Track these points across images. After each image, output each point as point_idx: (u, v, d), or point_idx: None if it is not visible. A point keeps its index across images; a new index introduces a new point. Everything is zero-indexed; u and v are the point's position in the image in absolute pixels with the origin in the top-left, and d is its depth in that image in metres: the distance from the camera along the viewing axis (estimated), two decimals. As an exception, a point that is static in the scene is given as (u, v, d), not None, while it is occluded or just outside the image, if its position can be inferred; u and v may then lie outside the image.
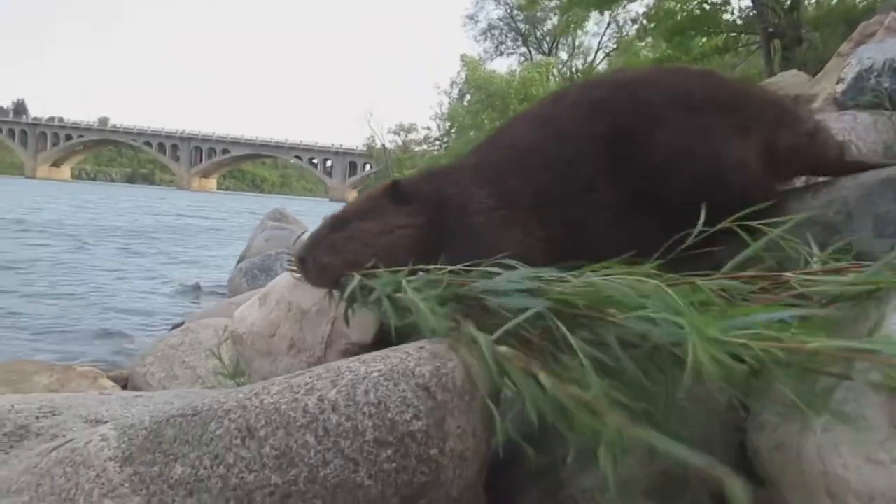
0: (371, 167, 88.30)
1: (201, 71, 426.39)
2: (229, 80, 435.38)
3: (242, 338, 2.47)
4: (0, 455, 1.71)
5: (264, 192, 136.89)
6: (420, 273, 1.45)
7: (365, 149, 72.17)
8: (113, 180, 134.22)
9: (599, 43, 43.17)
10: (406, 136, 65.70)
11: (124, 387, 3.22)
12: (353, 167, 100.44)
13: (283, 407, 1.10)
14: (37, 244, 13.91)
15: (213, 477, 1.05)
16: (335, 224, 1.84)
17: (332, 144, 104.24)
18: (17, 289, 8.74)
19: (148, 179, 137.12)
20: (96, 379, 3.11)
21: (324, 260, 1.77)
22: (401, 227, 1.73)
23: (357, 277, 1.61)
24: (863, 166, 1.77)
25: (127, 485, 1.07)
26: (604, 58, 41.42)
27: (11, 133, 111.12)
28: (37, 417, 1.80)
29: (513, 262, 1.30)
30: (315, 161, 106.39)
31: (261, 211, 12.69)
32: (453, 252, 1.50)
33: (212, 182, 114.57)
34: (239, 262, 7.97)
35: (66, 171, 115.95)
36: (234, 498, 1.04)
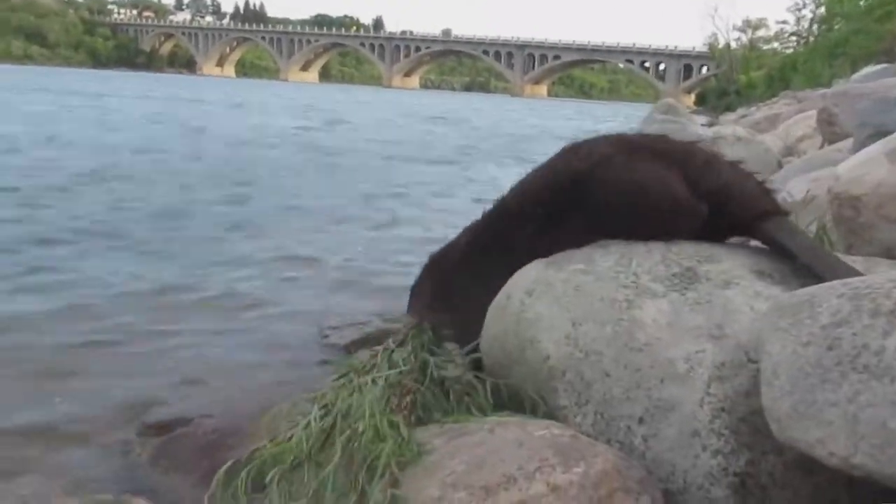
0: (708, 69, 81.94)
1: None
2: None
3: (860, 200, 2.13)
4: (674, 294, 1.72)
5: (592, 98, 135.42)
6: None
7: (705, 49, 66.65)
8: (454, 89, 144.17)
9: None
10: (753, 33, 59.05)
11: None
12: (687, 70, 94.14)
13: None
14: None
15: None
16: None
17: (666, 46, 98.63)
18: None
19: (483, 88, 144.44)
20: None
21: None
22: None
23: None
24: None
25: None
26: None
27: (371, 47, 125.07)
28: (698, 262, 1.81)
29: None
30: (647, 64, 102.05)
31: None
32: None
33: (542, 88, 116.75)
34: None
35: (415, 80, 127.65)
36: None
